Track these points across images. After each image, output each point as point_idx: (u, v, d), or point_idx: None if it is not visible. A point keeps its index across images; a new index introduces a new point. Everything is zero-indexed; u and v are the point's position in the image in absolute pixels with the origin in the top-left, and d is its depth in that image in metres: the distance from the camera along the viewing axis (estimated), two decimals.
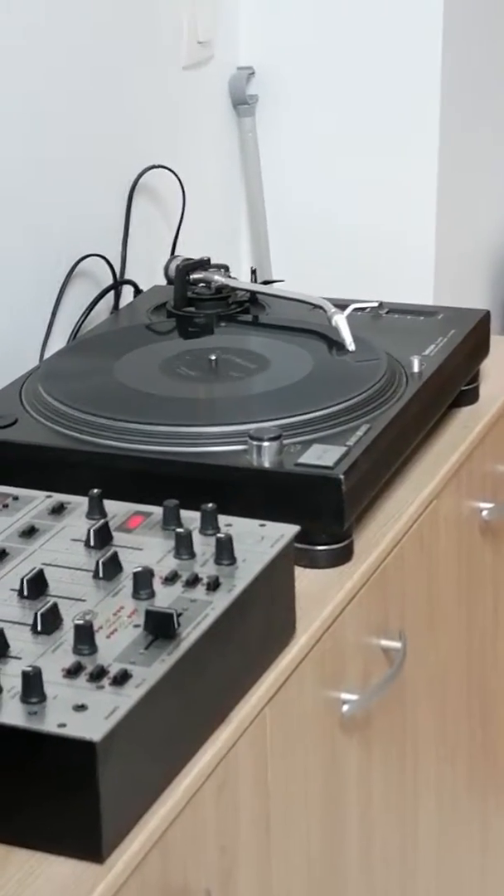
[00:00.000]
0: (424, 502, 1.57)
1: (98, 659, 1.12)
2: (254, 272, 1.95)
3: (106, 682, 1.09)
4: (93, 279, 1.90)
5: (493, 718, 1.94)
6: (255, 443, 1.42)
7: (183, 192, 2.00)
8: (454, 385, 1.70)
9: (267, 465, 1.41)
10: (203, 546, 1.26)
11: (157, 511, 1.31)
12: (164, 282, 1.89)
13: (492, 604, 1.88)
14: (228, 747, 1.21)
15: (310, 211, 2.31)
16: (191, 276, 1.80)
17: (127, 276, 1.94)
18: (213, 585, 1.20)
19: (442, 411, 1.68)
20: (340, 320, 1.66)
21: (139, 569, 1.20)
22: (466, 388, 1.75)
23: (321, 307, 1.71)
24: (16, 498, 1.36)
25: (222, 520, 1.29)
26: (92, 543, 1.27)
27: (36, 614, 1.15)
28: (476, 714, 1.88)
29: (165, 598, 1.19)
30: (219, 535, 1.25)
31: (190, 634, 1.14)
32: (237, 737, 1.22)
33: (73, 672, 1.10)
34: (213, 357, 1.63)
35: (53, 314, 1.82)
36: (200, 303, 1.78)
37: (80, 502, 1.34)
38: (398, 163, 2.25)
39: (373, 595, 1.47)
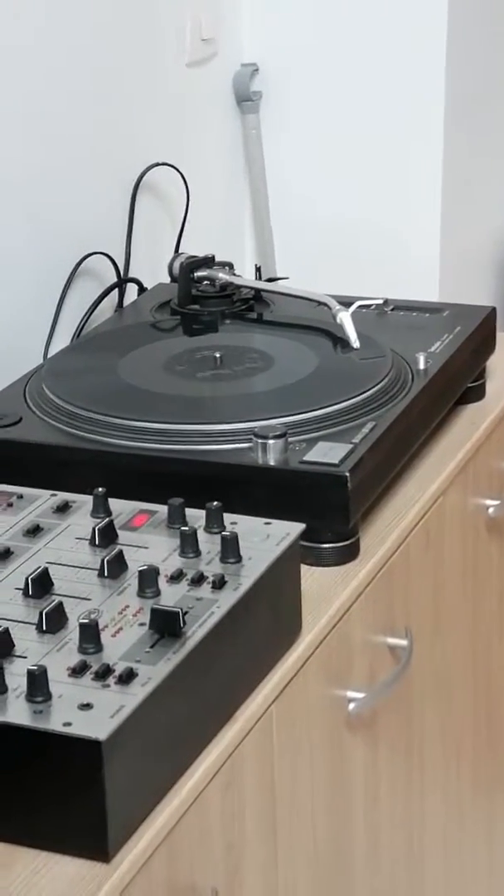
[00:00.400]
0: (430, 499, 1.57)
1: (103, 658, 1.11)
2: (258, 269, 1.95)
3: (111, 680, 1.09)
4: (97, 277, 1.90)
5: (499, 715, 1.94)
6: (260, 440, 1.41)
7: (187, 189, 1.99)
8: (460, 382, 1.70)
9: (272, 462, 1.41)
10: (208, 544, 1.26)
11: (162, 509, 1.31)
12: (168, 279, 1.89)
13: (498, 600, 1.88)
14: (234, 746, 1.20)
15: (314, 208, 2.30)
16: (195, 274, 1.80)
17: (131, 274, 1.93)
18: (219, 584, 1.20)
19: (448, 408, 1.67)
20: (345, 317, 1.66)
21: (144, 567, 1.20)
22: (472, 384, 1.74)
23: (326, 304, 1.70)
24: (20, 496, 1.36)
25: (227, 518, 1.29)
26: (97, 542, 1.27)
27: (41, 613, 1.15)
28: (482, 711, 1.88)
29: (171, 596, 1.19)
30: (224, 533, 1.25)
31: (196, 633, 1.14)
32: (243, 735, 1.22)
33: (78, 671, 1.10)
34: (218, 355, 1.63)
35: (57, 312, 1.82)
36: (205, 300, 1.78)
37: (84, 501, 1.34)
38: (402, 159, 2.25)
39: (379, 593, 1.46)
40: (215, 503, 1.28)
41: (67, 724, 1.04)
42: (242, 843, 1.25)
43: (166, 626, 1.14)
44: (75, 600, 1.19)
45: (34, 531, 1.29)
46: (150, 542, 1.27)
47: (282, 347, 1.66)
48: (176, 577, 1.21)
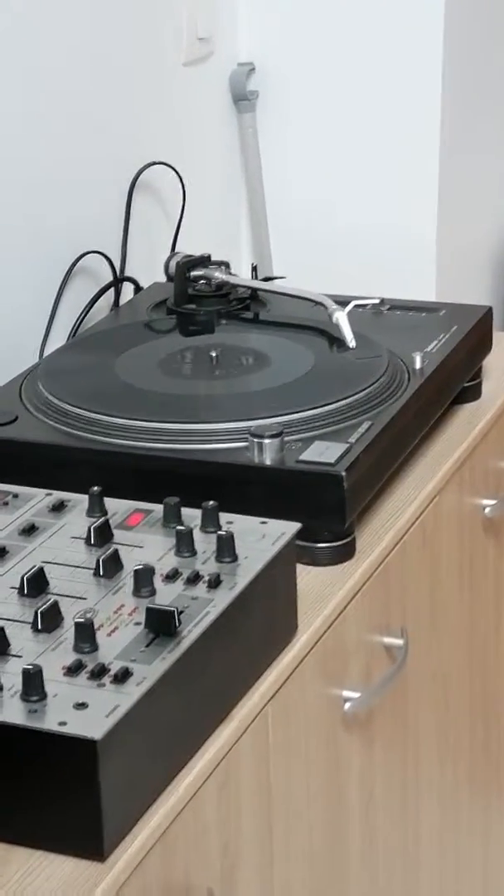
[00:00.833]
0: (427, 499, 1.57)
1: (99, 657, 1.11)
2: (254, 269, 1.94)
3: (107, 680, 1.08)
4: (93, 276, 1.90)
5: (495, 715, 1.94)
6: (256, 440, 1.41)
7: (183, 188, 1.99)
8: (456, 382, 1.69)
9: (268, 462, 1.41)
10: (204, 544, 1.26)
11: (158, 508, 1.31)
12: (164, 279, 1.88)
13: (494, 600, 1.88)
14: (230, 745, 1.20)
15: (310, 207, 2.30)
16: (191, 273, 1.80)
17: (127, 273, 1.93)
18: (214, 583, 1.20)
19: (444, 408, 1.67)
20: (341, 317, 1.65)
21: (140, 566, 1.20)
22: (469, 384, 1.74)
23: (322, 304, 1.70)
24: (16, 496, 1.36)
25: (223, 517, 1.29)
26: (92, 541, 1.27)
27: (36, 612, 1.15)
28: (478, 711, 1.88)
29: (166, 595, 1.19)
30: (220, 532, 1.25)
31: (191, 632, 1.14)
32: (239, 735, 1.22)
33: (73, 670, 1.10)
34: (214, 354, 1.63)
35: (53, 311, 1.82)
36: (201, 300, 1.78)
37: (80, 500, 1.34)
38: (399, 158, 2.25)
39: (375, 592, 1.46)
40: (211, 502, 1.28)
41: (63, 724, 1.04)
42: (238, 843, 1.25)
43: (161, 625, 1.13)
44: (71, 599, 1.19)
45: (29, 530, 1.29)
46: (145, 541, 1.27)
47: (278, 347, 1.66)
48: (171, 577, 1.21)
